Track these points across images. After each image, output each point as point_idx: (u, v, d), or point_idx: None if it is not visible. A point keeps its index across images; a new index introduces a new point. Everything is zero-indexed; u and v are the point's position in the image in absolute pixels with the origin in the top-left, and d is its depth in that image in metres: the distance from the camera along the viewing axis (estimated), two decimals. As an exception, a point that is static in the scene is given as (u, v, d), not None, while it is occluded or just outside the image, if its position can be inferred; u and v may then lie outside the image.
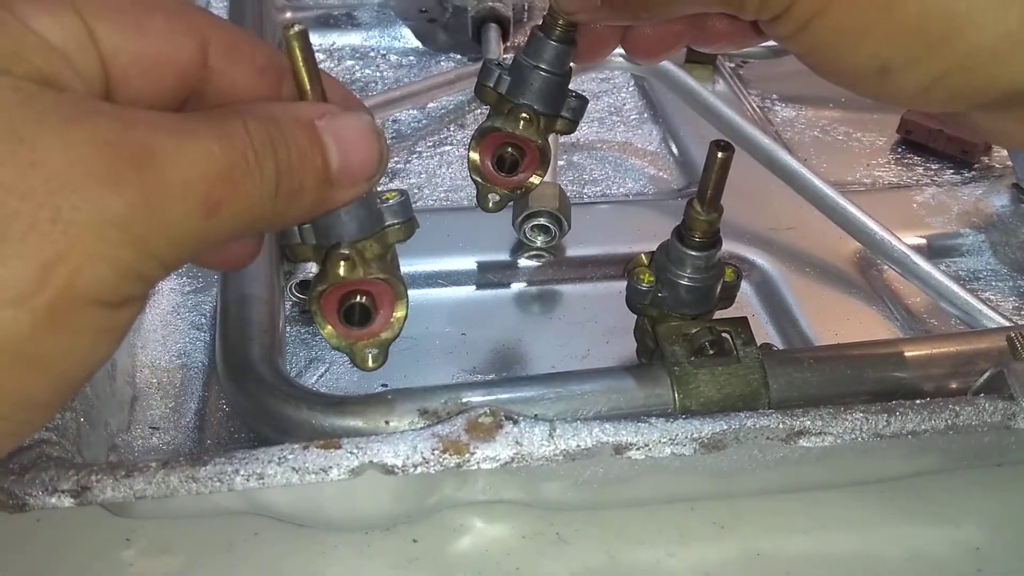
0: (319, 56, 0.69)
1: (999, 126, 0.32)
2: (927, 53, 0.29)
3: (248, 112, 0.25)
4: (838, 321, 0.47)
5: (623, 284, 0.39)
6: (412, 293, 0.47)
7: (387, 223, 0.31)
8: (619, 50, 0.60)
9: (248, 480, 0.30)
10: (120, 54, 0.25)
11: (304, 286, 0.46)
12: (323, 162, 0.26)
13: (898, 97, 0.31)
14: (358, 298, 0.31)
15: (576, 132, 0.61)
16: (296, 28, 0.27)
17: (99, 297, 0.22)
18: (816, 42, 0.30)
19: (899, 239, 0.47)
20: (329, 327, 0.32)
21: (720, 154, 0.34)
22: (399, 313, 0.32)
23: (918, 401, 0.34)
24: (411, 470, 0.31)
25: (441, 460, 0.31)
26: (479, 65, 0.62)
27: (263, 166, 0.24)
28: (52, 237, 0.21)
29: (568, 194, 0.51)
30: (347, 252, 0.30)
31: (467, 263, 0.50)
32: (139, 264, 0.22)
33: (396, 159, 0.58)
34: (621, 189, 0.57)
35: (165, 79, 0.26)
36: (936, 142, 0.59)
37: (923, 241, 0.53)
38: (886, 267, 0.49)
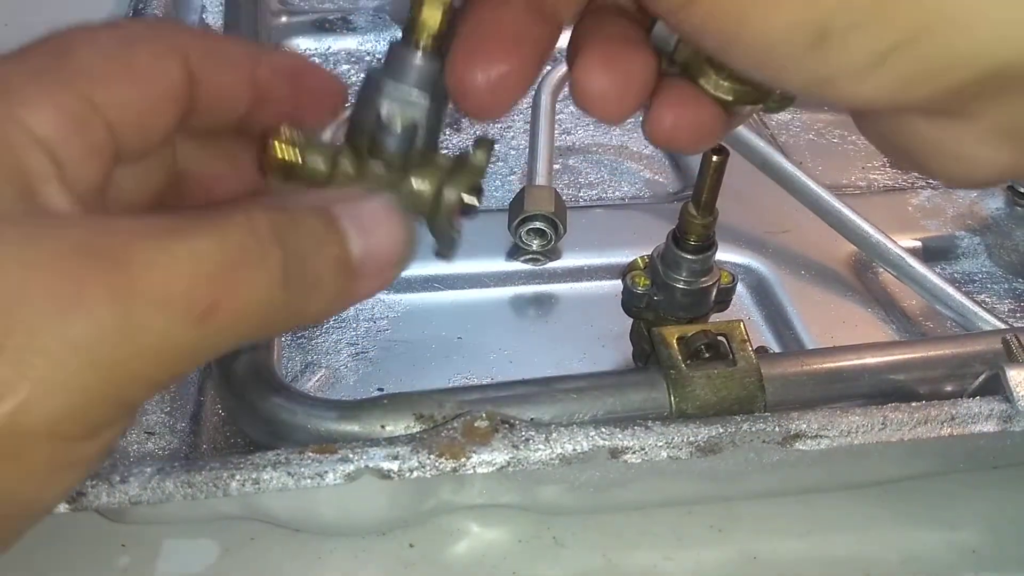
0: (314, 60, 0.69)
1: (953, 138, 0.22)
2: (889, 4, 0.20)
3: (254, 202, 0.23)
4: (834, 324, 0.47)
5: (619, 288, 0.39)
6: (408, 297, 0.48)
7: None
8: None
9: (243, 485, 0.30)
10: (121, 107, 0.24)
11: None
12: (341, 250, 0.24)
13: (835, 77, 0.21)
14: None
15: (572, 136, 0.61)
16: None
17: (56, 431, 0.20)
18: (721, 5, 0.21)
19: (894, 242, 0.47)
20: None
21: (715, 158, 0.34)
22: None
23: (914, 404, 0.34)
24: (407, 475, 0.31)
25: (437, 465, 0.31)
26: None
27: (267, 255, 0.22)
28: None
29: (564, 198, 0.51)
30: None
31: (463, 267, 0.50)
32: (112, 389, 0.20)
33: (392, 163, 0.58)
34: (617, 193, 0.57)
35: (167, 108, 0.25)
36: (931, 145, 0.59)
37: (919, 244, 0.53)
38: (882, 270, 0.49)
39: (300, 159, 0.27)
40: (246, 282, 0.21)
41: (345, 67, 0.68)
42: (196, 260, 0.21)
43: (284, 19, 0.72)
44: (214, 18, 0.68)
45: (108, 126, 0.23)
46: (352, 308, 0.46)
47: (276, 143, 0.27)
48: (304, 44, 0.70)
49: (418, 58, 0.27)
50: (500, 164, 0.58)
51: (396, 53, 0.28)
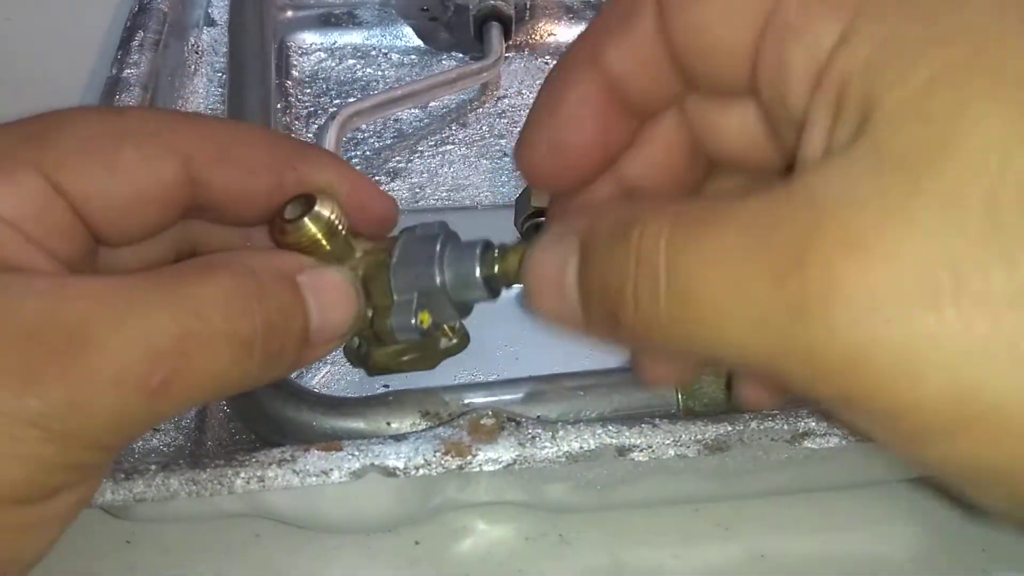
0: (320, 55, 0.68)
1: None
2: None
3: (224, 266, 0.23)
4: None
5: (626, 284, 0.39)
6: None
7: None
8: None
9: (248, 483, 0.30)
10: (93, 198, 0.24)
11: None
12: (304, 323, 0.24)
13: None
14: None
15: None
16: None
17: (16, 497, 0.21)
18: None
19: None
20: None
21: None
22: None
23: (924, 401, 0.33)
24: (413, 472, 0.31)
25: (443, 462, 0.31)
26: (481, 64, 0.63)
27: (238, 328, 0.22)
28: None
29: (571, 193, 0.51)
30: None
31: (469, 263, 0.49)
32: (67, 457, 0.21)
33: (398, 159, 0.58)
34: (624, 188, 0.56)
35: (150, 208, 0.25)
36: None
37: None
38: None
39: (326, 245, 0.26)
40: (204, 357, 0.22)
41: (351, 62, 0.68)
42: (151, 336, 0.21)
43: (289, 13, 0.72)
44: (219, 12, 0.68)
45: (76, 212, 0.24)
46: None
47: (310, 222, 0.26)
48: (310, 39, 0.70)
49: (479, 282, 0.28)
50: (507, 160, 0.58)
51: (464, 262, 0.29)
